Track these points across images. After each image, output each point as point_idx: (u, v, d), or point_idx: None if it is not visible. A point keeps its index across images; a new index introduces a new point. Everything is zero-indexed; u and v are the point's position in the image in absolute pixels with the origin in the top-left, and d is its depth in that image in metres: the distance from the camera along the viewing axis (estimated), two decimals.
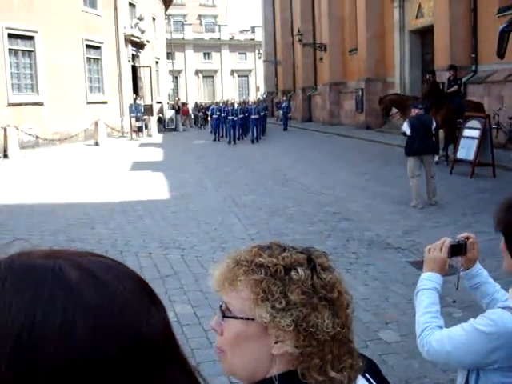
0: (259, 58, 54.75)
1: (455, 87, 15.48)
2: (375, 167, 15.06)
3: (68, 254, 0.65)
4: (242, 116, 26.01)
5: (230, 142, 24.48)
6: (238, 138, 25.76)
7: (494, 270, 2.26)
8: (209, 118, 32.73)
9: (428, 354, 2.02)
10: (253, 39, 66.27)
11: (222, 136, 26.87)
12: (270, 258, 1.16)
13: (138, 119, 29.70)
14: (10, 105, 21.68)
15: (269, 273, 1.14)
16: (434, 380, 4.13)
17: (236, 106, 27.99)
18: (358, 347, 1.24)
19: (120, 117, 29.61)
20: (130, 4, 32.03)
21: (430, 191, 10.06)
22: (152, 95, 33.35)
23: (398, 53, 24.49)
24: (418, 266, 6.46)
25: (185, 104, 43.88)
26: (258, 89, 61.46)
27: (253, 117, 25.44)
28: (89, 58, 27.40)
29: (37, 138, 22.41)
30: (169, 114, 36.28)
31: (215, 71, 66.06)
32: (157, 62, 38.07)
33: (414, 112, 10.31)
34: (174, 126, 35.41)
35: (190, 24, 65.36)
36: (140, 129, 29.88)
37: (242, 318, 1.17)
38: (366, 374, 1.25)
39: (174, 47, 47.24)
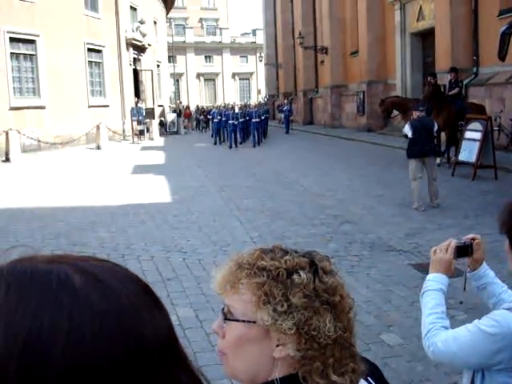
0: (260, 61, 54.86)
1: (456, 90, 15.49)
2: (377, 170, 15.05)
3: (71, 259, 0.65)
4: (242, 120, 25.97)
5: (230, 147, 24.39)
6: (240, 142, 25.74)
7: (497, 272, 2.26)
8: (210, 122, 32.76)
9: (433, 354, 2.02)
10: (254, 42, 66.36)
11: (224, 140, 26.78)
12: (272, 261, 1.16)
13: (139, 122, 29.74)
14: (11, 108, 21.72)
15: (271, 276, 1.14)
16: (436, 383, 4.12)
17: (237, 109, 27.96)
18: (360, 350, 1.24)
19: (121, 120, 29.65)
20: (132, 7, 32.10)
21: (431, 193, 10.05)
22: (153, 98, 33.40)
23: (400, 55, 24.50)
24: (421, 268, 6.45)
25: (187, 107, 43.96)
26: (259, 92, 61.49)
27: (254, 120, 25.39)
28: (90, 62, 27.45)
29: (38, 141, 22.44)
30: (170, 117, 36.32)
31: (216, 74, 66.14)
32: (158, 66, 38.14)
33: (415, 114, 10.31)
34: (175, 130, 35.45)
35: (191, 27, 65.47)
36: (141, 132, 29.92)
37: (243, 321, 1.17)
38: (369, 378, 1.25)
39: (175, 50, 47.32)
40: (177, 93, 52.30)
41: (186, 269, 6.92)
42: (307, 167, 16.39)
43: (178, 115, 37.14)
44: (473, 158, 12.97)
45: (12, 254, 0.65)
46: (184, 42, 62.06)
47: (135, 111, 29.51)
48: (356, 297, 1.25)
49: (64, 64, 24.47)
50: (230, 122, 25.23)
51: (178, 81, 58.91)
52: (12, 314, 0.58)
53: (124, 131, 29.64)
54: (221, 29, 67.02)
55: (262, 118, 27.42)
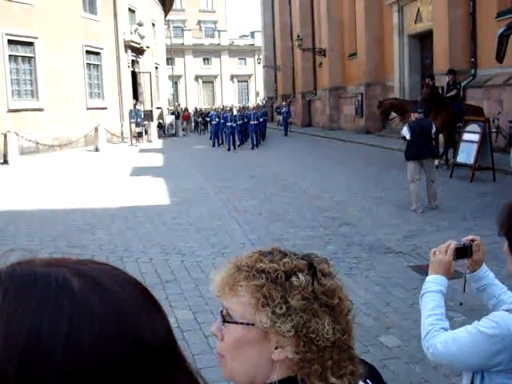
0: (259, 63, 54.87)
1: (454, 91, 15.50)
2: (375, 171, 15.06)
3: (69, 263, 0.65)
4: (241, 122, 25.95)
5: (229, 149, 24.35)
6: (239, 145, 25.72)
7: (496, 274, 2.26)
8: (208, 124, 32.73)
9: (433, 355, 2.03)
10: (252, 44, 66.40)
11: (222, 142, 26.70)
12: (270, 263, 1.16)
13: (137, 125, 29.72)
14: (10, 111, 21.71)
15: (270, 278, 1.14)
16: None
17: (235, 111, 27.92)
18: (359, 352, 1.24)
19: (120, 122, 29.65)
20: (130, 10, 32.10)
21: (430, 195, 10.06)
22: (152, 101, 33.39)
23: (398, 57, 24.54)
24: (419, 270, 6.46)
25: (186, 109, 43.97)
26: (257, 94, 61.54)
27: (252, 122, 25.39)
28: (89, 64, 27.45)
29: (37, 143, 22.43)
30: (169, 119, 36.32)
31: (215, 76, 66.16)
32: (156, 68, 38.15)
33: (413, 116, 10.32)
34: (173, 132, 35.45)
35: (189, 29, 65.51)
36: (140, 134, 29.90)
37: (242, 324, 1.17)
38: (367, 380, 1.25)
39: (173, 53, 47.36)
40: (175, 95, 52.31)
41: (184, 271, 6.92)
42: (306, 169, 16.40)
43: (177, 117, 37.14)
44: (471, 160, 12.98)
45: (10, 257, 0.65)
46: (182, 44, 62.11)
47: (133, 113, 29.51)
48: (355, 299, 1.25)
49: (62, 66, 24.47)
50: (229, 124, 25.21)
51: (176, 83, 58.96)
52: (11, 317, 0.58)
53: (122, 133, 29.63)
54: (219, 31, 67.08)
55: (261, 120, 27.36)
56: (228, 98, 62.14)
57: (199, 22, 69.13)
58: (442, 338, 2.00)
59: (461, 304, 4.37)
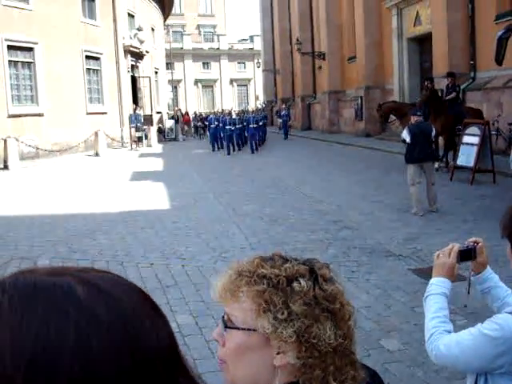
0: (258, 67, 54.91)
1: (453, 94, 15.50)
2: (375, 175, 15.07)
3: (73, 271, 0.65)
4: (240, 126, 25.93)
5: (229, 153, 24.32)
6: (239, 148, 25.71)
7: None
8: (207, 128, 32.73)
9: (436, 357, 2.03)
10: (251, 48, 66.44)
11: (222, 147, 26.57)
12: (272, 269, 1.16)
13: (137, 129, 29.75)
14: (9, 116, 21.75)
15: (271, 284, 1.14)
16: None
17: (234, 115, 27.87)
18: (360, 356, 1.24)
19: (120, 127, 29.66)
20: (129, 15, 32.15)
21: (430, 198, 10.06)
22: (151, 105, 33.42)
23: (397, 60, 24.57)
24: (420, 273, 6.45)
25: (186, 113, 44.03)
26: (257, 98, 61.59)
27: (251, 126, 25.36)
28: (88, 69, 27.48)
29: (37, 149, 22.45)
30: (168, 123, 36.36)
31: (214, 81, 66.19)
32: (156, 72, 38.18)
33: (413, 119, 10.32)
34: (173, 136, 35.48)
35: (189, 34, 65.57)
36: (140, 139, 29.93)
37: (244, 329, 1.17)
38: None
39: (173, 57, 47.36)
40: (175, 100, 52.32)
41: (185, 276, 6.91)
42: (306, 173, 16.40)
43: (176, 122, 37.18)
44: (471, 163, 12.99)
45: (10, 266, 0.65)
46: (182, 48, 62.14)
47: (133, 118, 29.55)
48: (355, 303, 1.25)
49: (62, 71, 24.51)
50: (227, 127, 25.19)
51: (176, 87, 58.95)
52: (17, 327, 0.57)
53: (122, 138, 29.65)
54: (218, 35, 67.13)
55: (260, 123, 27.30)
56: (228, 102, 62.14)
57: (198, 27, 69.18)
58: (446, 341, 2.00)
59: (465, 306, 4.36)
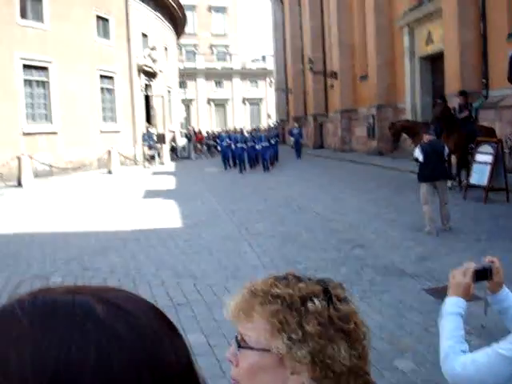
0: (270, 86, 55.19)
1: (466, 112, 15.48)
2: (388, 193, 15.02)
3: (90, 290, 0.65)
4: (252, 144, 25.92)
5: (241, 171, 24.34)
6: (251, 166, 25.71)
7: None
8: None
9: (451, 377, 2.01)
10: (264, 68, 66.89)
11: (234, 165, 26.52)
12: (286, 288, 1.16)
13: (150, 148, 29.94)
14: (24, 134, 21.98)
15: (285, 304, 1.13)
16: None
17: (245, 133, 27.82)
18: (374, 376, 1.23)
19: (133, 145, 29.87)
20: (143, 34, 32.51)
21: (443, 217, 10.01)
22: (164, 124, 33.65)
23: (409, 79, 24.59)
24: (434, 293, 6.39)
25: (199, 131, 44.38)
26: (269, 116, 61.83)
27: (263, 144, 25.37)
28: (102, 88, 27.76)
29: (50, 166, 22.64)
30: (181, 142, 36.55)
31: (227, 100, 66.60)
32: (169, 91, 38.48)
33: (425, 138, 10.29)
34: (186, 155, 35.65)
35: (202, 54, 66.16)
36: (153, 157, 30.11)
37: (257, 349, 1.16)
38: None
39: (186, 76, 47.79)
40: (188, 118, 52.70)
41: (196, 294, 6.90)
42: (318, 191, 16.38)
43: (189, 140, 37.37)
44: (484, 181, 12.92)
45: (24, 284, 0.65)
46: (195, 68, 62.71)
47: (146, 136, 29.76)
48: (368, 322, 1.24)
49: (76, 90, 24.81)
50: (239, 145, 25.23)
51: (188, 106, 59.38)
52: (38, 345, 0.57)
53: (135, 156, 29.84)
54: (231, 55, 67.68)
55: (272, 142, 27.09)
56: (240, 120, 62.42)
57: (211, 46, 69.79)
58: (461, 360, 1.98)
59: (482, 326, 4.31)
